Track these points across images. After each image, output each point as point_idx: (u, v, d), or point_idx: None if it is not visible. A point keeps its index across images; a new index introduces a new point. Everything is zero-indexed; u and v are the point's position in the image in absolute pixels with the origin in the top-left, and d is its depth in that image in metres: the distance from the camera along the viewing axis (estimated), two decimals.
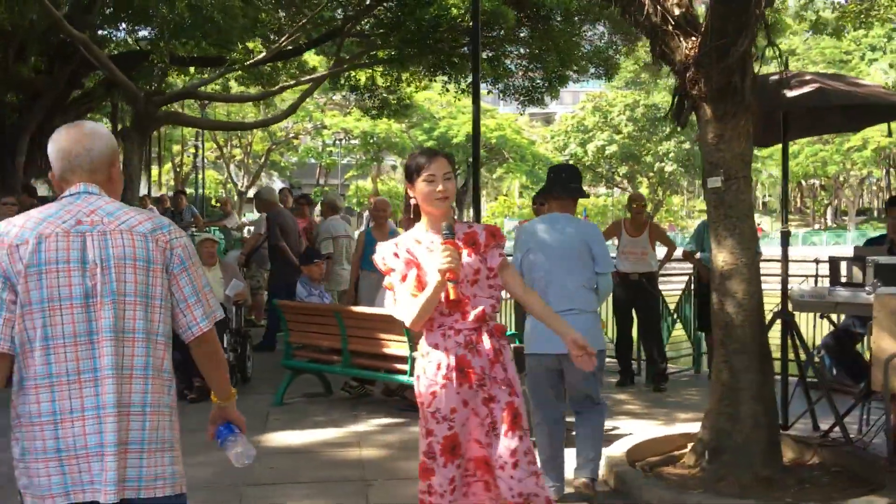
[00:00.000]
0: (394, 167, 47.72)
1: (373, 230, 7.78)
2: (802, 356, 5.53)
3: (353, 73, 12.31)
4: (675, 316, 8.12)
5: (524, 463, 2.87)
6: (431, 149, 3.06)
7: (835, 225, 48.36)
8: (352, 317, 6.40)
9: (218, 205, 31.58)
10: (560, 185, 4.56)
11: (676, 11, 4.81)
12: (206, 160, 34.87)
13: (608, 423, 5.30)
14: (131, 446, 2.18)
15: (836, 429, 5.23)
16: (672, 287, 8.55)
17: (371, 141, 37.02)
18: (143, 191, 17.03)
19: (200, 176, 31.77)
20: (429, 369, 2.92)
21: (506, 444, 2.87)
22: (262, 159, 37.87)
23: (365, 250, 7.58)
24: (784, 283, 5.46)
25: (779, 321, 5.41)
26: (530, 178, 41.93)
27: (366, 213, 10.11)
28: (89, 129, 2.34)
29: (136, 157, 8.48)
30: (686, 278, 8.25)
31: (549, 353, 4.24)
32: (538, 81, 10.67)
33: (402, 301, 2.92)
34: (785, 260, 5.48)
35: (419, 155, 3.01)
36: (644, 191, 44.26)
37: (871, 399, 5.62)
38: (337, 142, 35.88)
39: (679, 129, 5.09)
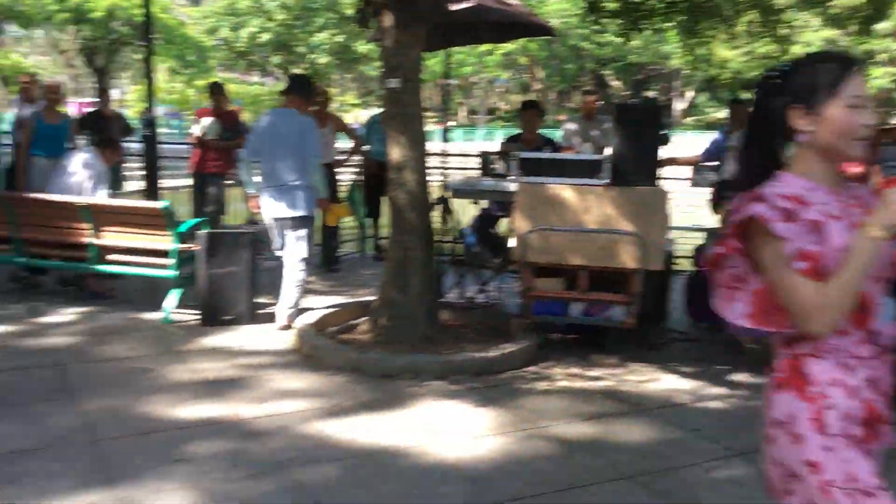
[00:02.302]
0: (17, 40, 41.90)
1: (44, 114, 7.23)
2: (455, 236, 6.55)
3: None
4: (347, 203, 8.80)
5: None
6: (840, 53, 1.88)
7: (468, 122, 53.11)
8: (24, 204, 6.07)
9: None
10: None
11: None
12: None
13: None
14: None
15: (480, 295, 6.36)
16: (340, 177, 9.16)
17: None
18: None
19: None
20: (829, 419, 1.77)
21: None
22: None
23: (35, 135, 7.06)
24: (444, 173, 6.36)
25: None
26: (180, 62, 39.64)
27: (17, 95, 9.20)
28: None
29: None
30: (355, 169, 8.94)
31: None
32: None
33: (800, 287, 1.73)
34: (444, 154, 6.37)
35: (827, 61, 1.81)
36: None
37: (506, 270, 6.87)
38: None
39: (364, 29, 5.59)
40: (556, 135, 8.32)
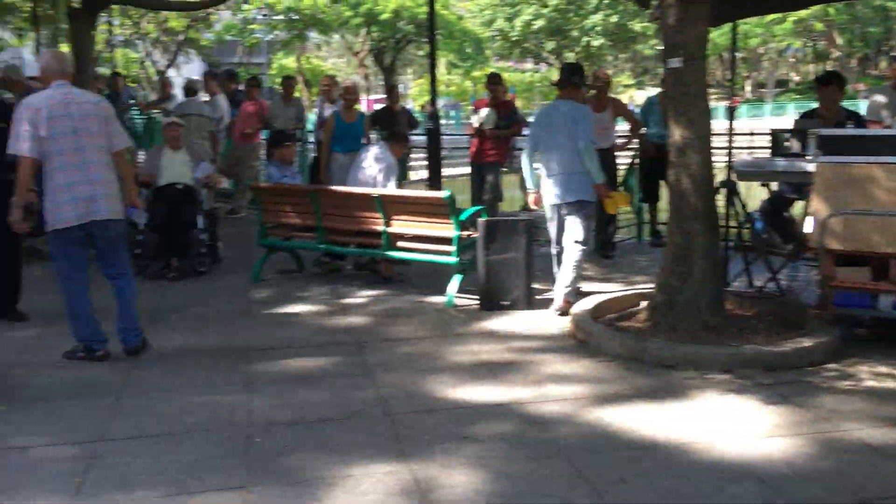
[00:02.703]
0: (318, 45, 46.34)
1: (341, 114, 7.94)
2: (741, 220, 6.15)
3: None
4: (622, 188, 8.65)
5: None
6: None
7: (754, 97, 49.72)
8: (326, 196, 6.69)
9: (135, 84, 30.34)
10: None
11: None
12: (121, 37, 33.28)
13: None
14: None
15: (770, 284, 5.91)
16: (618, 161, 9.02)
17: (296, 18, 35.76)
18: None
19: (117, 56, 30.43)
20: None
21: None
22: (180, 37, 36.30)
23: (335, 133, 7.77)
24: (729, 155, 5.99)
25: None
26: (459, 55, 41.41)
27: (319, 97, 10.18)
28: (60, 52, 5.37)
29: (87, 39, 8.23)
30: (631, 153, 8.74)
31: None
32: None
33: None
34: (730, 133, 5.99)
35: None
36: None
37: (800, 257, 6.33)
38: (259, 18, 34.50)
39: (643, 9, 5.44)
40: (860, 107, 7.49)
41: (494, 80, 8.63)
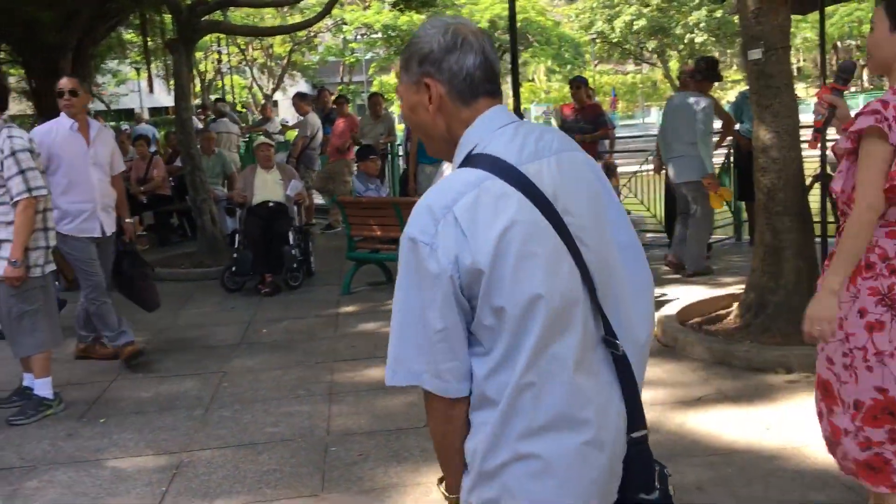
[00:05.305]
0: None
1: None
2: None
3: None
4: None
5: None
6: None
7: (871, 87, 47.06)
8: (408, 207, 6.77)
9: (244, 110, 31.79)
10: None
11: None
12: (229, 65, 34.83)
13: (658, 290, 5.82)
14: None
15: None
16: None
17: (393, 35, 36.44)
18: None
19: (226, 83, 31.92)
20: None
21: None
22: (285, 61, 37.66)
23: (421, 145, 7.87)
24: (822, 147, 5.68)
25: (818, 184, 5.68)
26: (557, 61, 41.12)
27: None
28: None
29: (186, 68, 8.65)
30: (725, 150, 8.43)
31: None
32: None
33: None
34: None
35: None
36: (674, 64, 43.27)
37: None
38: (358, 37, 35.38)
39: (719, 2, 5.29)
40: None
41: (575, 85, 8.51)
